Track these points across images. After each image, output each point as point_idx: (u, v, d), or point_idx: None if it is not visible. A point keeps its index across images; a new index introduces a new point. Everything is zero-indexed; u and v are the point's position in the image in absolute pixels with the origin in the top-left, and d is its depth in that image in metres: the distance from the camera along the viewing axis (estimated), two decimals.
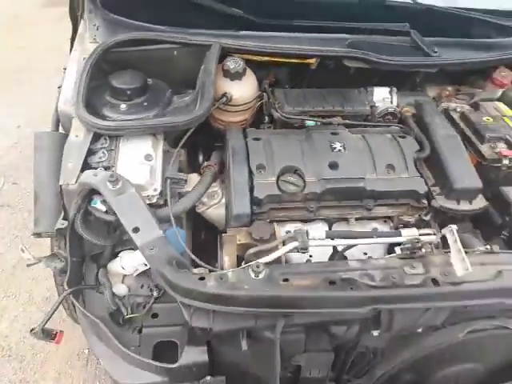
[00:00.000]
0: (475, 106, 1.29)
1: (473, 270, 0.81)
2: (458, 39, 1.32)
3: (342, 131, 1.12)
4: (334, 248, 1.00)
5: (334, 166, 1.03)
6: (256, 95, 1.20)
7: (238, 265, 0.90)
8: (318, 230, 0.95)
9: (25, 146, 2.44)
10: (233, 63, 1.15)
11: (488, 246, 0.92)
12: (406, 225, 1.06)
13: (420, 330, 0.89)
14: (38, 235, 1.03)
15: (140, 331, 0.99)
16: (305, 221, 1.05)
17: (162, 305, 1.01)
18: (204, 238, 1.23)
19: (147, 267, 1.00)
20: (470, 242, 0.98)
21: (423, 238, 0.88)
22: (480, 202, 1.06)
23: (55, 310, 1.00)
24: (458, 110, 1.28)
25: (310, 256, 1.00)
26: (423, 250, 0.87)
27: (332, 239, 0.93)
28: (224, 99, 1.13)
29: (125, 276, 1.06)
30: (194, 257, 0.90)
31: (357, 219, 1.07)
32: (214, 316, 0.82)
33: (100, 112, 1.08)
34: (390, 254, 0.94)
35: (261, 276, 0.82)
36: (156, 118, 1.06)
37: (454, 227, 0.86)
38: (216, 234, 1.01)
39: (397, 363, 0.95)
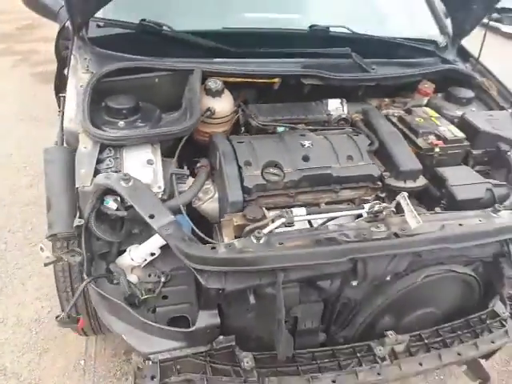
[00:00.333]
0: (408, 111, 1.60)
1: (422, 225, 1.06)
2: (388, 60, 1.65)
3: (308, 133, 1.37)
4: (311, 224, 1.22)
5: (306, 158, 1.26)
6: (233, 110, 1.43)
7: None
8: (299, 210, 1.17)
9: None
10: (213, 83, 1.37)
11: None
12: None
13: (388, 279, 1.11)
14: (53, 236, 1.15)
15: (154, 311, 1.12)
16: (287, 207, 1.26)
17: (169, 288, 1.15)
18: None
19: (153, 257, 1.16)
20: (418, 209, 1.24)
21: (383, 205, 1.13)
22: (421, 181, 1.33)
23: (78, 298, 1.10)
24: (396, 114, 1.58)
25: None
26: (384, 213, 1.12)
27: (311, 215, 1.16)
28: (208, 113, 1.34)
29: (133, 268, 1.20)
30: (202, 234, 1.08)
31: (326, 203, 1.30)
32: (225, 278, 1.00)
33: (101, 129, 1.25)
34: None
35: (261, 241, 1.01)
36: (153, 129, 1.25)
37: (405, 194, 1.11)
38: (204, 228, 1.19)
39: (372, 310, 1.15)
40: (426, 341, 1.18)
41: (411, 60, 1.69)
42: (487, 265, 1.24)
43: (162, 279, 1.16)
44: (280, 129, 1.40)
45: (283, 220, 1.10)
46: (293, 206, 1.26)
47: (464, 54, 1.85)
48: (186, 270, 1.13)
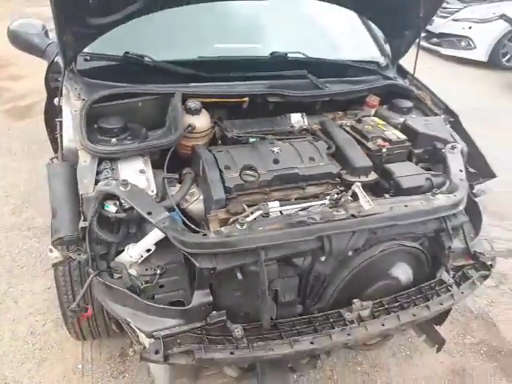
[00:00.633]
0: (359, 121, 1.86)
1: (374, 207, 1.30)
2: (339, 78, 1.93)
3: (276, 142, 1.61)
4: None
5: (276, 161, 1.49)
6: (211, 125, 1.65)
7: None
8: (273, 203, 1.39)
9: None
10: (192, 103, 1.59)
11: None
12: None
13: (350, 254, 1.34)
14: (60, 239, 1.30)
15: (153, 298, 1.28)
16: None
17: (165, 279, 1.32)
18: None
19: (149, 253, 1.32)
20: (370, 196, 1.48)
21: (341, 194, 1.36)
22: (373, 175, 1.59)
23: (86, 289, 1.24)
24: (348, 124, 1.85)
25: None
26: (342, 200, 1.35)
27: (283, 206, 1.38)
28: (190, 128, 1.55)
29: (131, 264, 1.36)
30: (193, 226, 1.27)
31: (296, 199, 1.52)
32: (216, 259, 1.18)
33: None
34: None
35: (244, 227, 1.21)
36: (144, 143, 1.45)
37: (359, 183, 1.36)
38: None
39: (340, 283, 1.37)
40: (386, 306, 1.40)
41: (358, 78, 1.99)
42: (431, 239, 1.49)
43: (158, 271, 1.32)
44: (252, 139, 1.63)
45: (261, 212, 1.31)
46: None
47: (402, 72, 2.18)
48: (178, 263, 1.32)
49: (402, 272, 1.46)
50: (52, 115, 1.86)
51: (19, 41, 2.03)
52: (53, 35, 2.18)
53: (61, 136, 1.50)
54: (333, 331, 1.29)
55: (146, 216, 1.23)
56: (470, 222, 1.72)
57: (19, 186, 2.79)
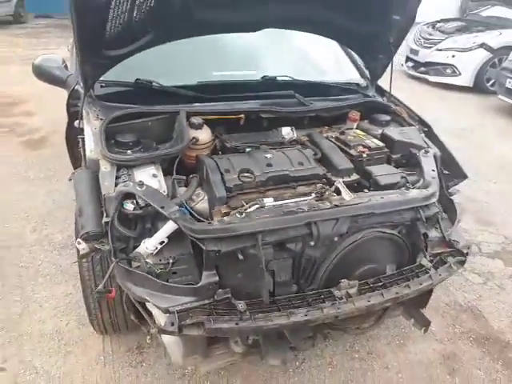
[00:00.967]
0: (342, 133, 2.11)
1: (355, 198, 1.52)
2: (323, 97, 2.20)
3: (269, 150, 1.84)
4: None
5: (269, 165, 1.71)
6: (212, 138, 1.90)
7: None
8: (268, 199, 1.61)
9: None
10: (195, 120, 1.84)
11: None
12: None
13: (336, 239, 1.54)
14: (86, 234, 1.50)
15: (167, 281, 1.48)
16: None
17: (177, 267, 1.51)
18: None
19: (162, 245, 1.53)
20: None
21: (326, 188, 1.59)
22: (354, 176, 1.81)
23: (110, 274, 1.44)
24: (333, 136, 2.10)
25: None
26: (327, 194, 1.57)
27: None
28: (194, 140, 1.79)
29: (147, 255, 1.56)
30: (199, 217, 1.48)
31: (288, 197, 1.74)
32: (220, 242, 1.39)
33: None
34: None
35: (243, 215, 1.43)
36: (155, 152, 1.69)
37: (341, 180, 1.59)
38: None
39: (328, 265, 1.56)
40: (371, 285, 1.58)
41: (341, 97, 2.26)
42: (408, 227, 1.70)
43: (171, 261, 1.52)
44: (248, 149, 1.87)
45: (257, 205, 1.54)
46: None
47: (381, 91, 2.45)
48: (187, 254, 1.52)
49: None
50: (72, 136, 2.12)
51: (43, 74, 2.32)
52: (71, 68, 2.49)
53: (84, 149, 1.75)
54: (324, 305, 1.47)
55: (160, 209, 1.44)
56: (447, 216, 1.93)
57: (38, 208, 3.02)
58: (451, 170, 2.04)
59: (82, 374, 1.83)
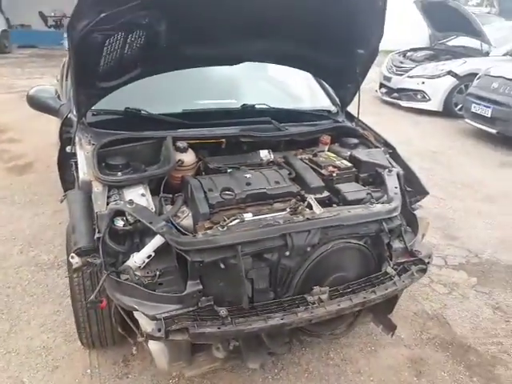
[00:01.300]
0: (315, 155, 2.31)
1: (324, 212, 1.70)
2: (297, 123, 2.41)
3: (248, 171, 2.02)
4: None
5: (248, 184, 1.88)
6: (196, 160, 2.07)
7: None
8: (247, 214, 1.78)
9: None
10: (181, 144, 2.01)
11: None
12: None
13: (309, 249, 1.71)
14: (79, 249, 1.63)
15: (154, 291, 1.61)
16: None
17: (163, 278, 1.65)
18: None
19: (150, 258, 1.66)
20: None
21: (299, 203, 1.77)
22: (325, 193, 1.99)
23: (101, 286, 1.56)
24: (306, 158, 2.30)
25: None
26: (300, 208, 1.75)
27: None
28: (179, 162, 1.96)
29: (136, 268, 1.69)
30: (184, 231, 1.63)
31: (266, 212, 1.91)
32: (203, 253, 1.54)
33: None
34: None
35: (224, 229, 1.59)
36: (144, 173, 1.85)
37: (312, 196, 1.77)
38: None
39: (302, 273, 1.72)
40: (341, 291, 1.74)
41: (313, 122, 2.47)
42: (373, 238, 1.88)
43: (158, 273, 1.66)
44: (229, 170, 2.04)
45: (237, 220, 1.70)
46: None
47: (350, 117, 2.68)
48: (172, 267, 1.65)
49: None
50: (64, 160, 2.26)
51: (36, 103, 2.48)
52: (63, 98, 2.65)
53: (77, 172, 1.89)
54: (298, 310, 1.62)
55: (149, 225, 1.59)
56: (411, 229, 2.12)
57: (24, 230, 3.11)
58: (414, 187, 2.25)
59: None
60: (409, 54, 8.28)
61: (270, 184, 1.93)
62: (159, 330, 1.49)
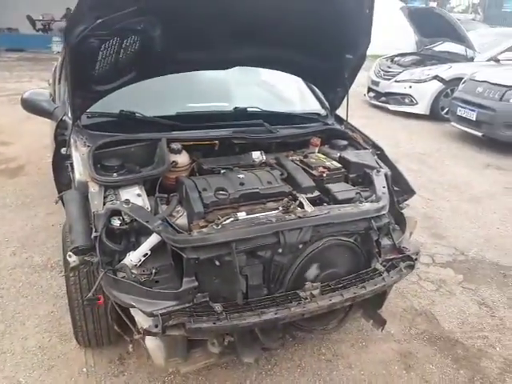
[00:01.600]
0: (305, 157, 2.37)
1: (315, 210, 1.76)
2: (288, 125, 2.48)
3: (241, 171, 2.07)
4: None
5: (242, 184, 1.94)
6: (190, 162, 2.12)
7: None
8: (241, 213, 1.83)
9: None
10: (175, 145, 2.06)
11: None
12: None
13: (300, 246, 1.77)
14: (76, 248, 1.67)
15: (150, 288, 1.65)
16: None
17: (159, 276, 1.69)
18: None
19: (146, 257, 1.71)
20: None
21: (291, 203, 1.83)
22: (316, 193, 2.06)
23: (98, 283, 1.60)
24: (297, 159, 2.36)
25: None
26: (291, 207, 1.81)
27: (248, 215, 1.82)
28: (174, 163, 2.01)
29: (132, 267, 1.73)
30: (179, 230, 1.68)
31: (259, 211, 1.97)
32: (199, 251, 1.59)
33: None
34: None
35: (219, 227, 1.64)
36: (139, 174, 1.89)
37: (303, 195, 1.83)
38: None
39: (294, 269, 1.77)
40: (332, 287, 1.80)
41: (304, 125, 2.54)
42: (362, 235, 1.94)
43: (154, 271, 1.70)
44: (223, 170, 2.09)
45: (231, 219, 1.75)
46: None
47: (339, 120, 2.76)
48: (168, 265, 1.69)
49: None
50: (59, 161, 2.29)
51: (31, 106, 2.50)
52: (57, 101, 2.68)
53: (73, 173, 1.93)
54: (291, 305, 1.68)
55: (145, 223, 1.63)
56: (399, 227, 2.19)
57: (17, 232, 3.12)
58: (401, 187, 2.33)
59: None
60: (396, 59, 8.45)
61: (262, 184, 1.98)
62: (156, 326, 1.53)
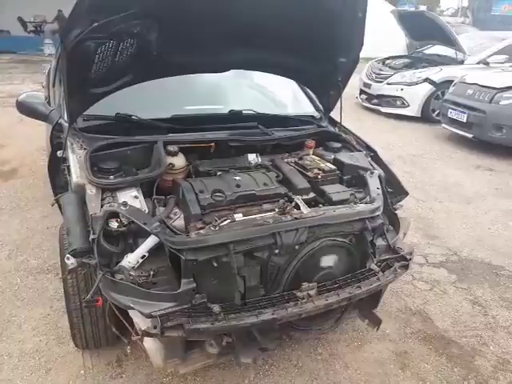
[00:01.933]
0: (300, 159, 2.39)
1: (311, 211, 1.79)
2: (283, 128, 2.50)
3: (237, 173, 2.09)
4: None
5: (238, 185, 1.95)
6: (186, 164, 2.13)
7: None
8: (237, 214, 1.85)
9: None
10: (171, 147, 2.07)
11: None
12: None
13: (297, 247, 1.79)
14: (74, 250, 1.67)
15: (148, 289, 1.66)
16: None
17: (156, 278, 1.70)
18: None
19: (144, 259, 1.72)
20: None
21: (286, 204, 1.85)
22: (311, 194, 2.08)
23: (97, 285, 1.60)
24: (292, 161, 2.39)
25: None
26: (288, 209, 1.83)
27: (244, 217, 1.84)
28: (170, 165, 2.02)
29: (130, 269, 1.74)
30: (177, 231, 1.69)
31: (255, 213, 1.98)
32: (197, 252, 1.60)
33: None
34: None
35: (217, 228, 1.65)
36: (137, 176, 1.90)
37: (299, 197, 1.86)
38: None
39: (291, 270, 1.79)
40: (328, 287, 1.83)
41: (298, 127, 2.57)
42: (357, 236, 1.97)
43: (151, 273, 1.72)
44: (219, 172, 2.11)
45: (228, 220, 1.77)
46: None
47: (333, 122, 2.79)
48: (165, 267, 1.71)
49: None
50: (55, 164, 2.29)
51: (26, 109, 2.50)
52: (52, 103, 2.68)
53: (70, 176, 1.93)
54: (288, 305, 1.70)
55: (143, 225, 1.65)
56: (393, 228, 2.23)
57: (12, 235, 3.11)
58: (394, 188, 2.36)
59: None
60: (387, 61, 8.54)
61: (258, 186, 2.00)
62: (155, 327, 1.54)
